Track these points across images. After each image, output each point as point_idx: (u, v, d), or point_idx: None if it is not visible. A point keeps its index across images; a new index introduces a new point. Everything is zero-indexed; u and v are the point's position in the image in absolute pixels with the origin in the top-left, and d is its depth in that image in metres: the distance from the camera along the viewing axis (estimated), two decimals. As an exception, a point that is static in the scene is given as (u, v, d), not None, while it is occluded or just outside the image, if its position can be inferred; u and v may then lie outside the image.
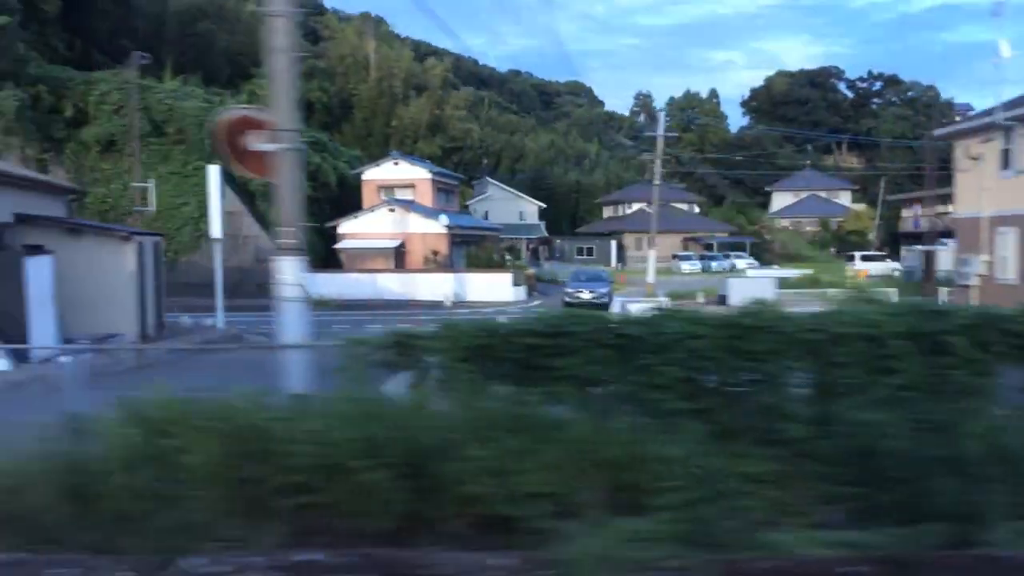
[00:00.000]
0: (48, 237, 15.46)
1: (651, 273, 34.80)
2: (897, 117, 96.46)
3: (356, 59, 55.50)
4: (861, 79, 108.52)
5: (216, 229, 19.60)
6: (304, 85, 52.48)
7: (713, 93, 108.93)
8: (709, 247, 69.19)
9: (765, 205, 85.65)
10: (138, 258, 16.88)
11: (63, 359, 13.30)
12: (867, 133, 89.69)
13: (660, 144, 34.44)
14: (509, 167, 79.74)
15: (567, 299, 30.83)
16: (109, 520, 5.47)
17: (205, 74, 46.93)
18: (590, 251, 68.40)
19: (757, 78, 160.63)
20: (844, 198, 79.62)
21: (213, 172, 20.10)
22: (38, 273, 14.03)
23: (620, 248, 68.10)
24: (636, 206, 74.92)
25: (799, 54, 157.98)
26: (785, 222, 75.92)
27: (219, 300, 19.40)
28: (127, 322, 16.31)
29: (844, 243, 68.50)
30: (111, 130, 31.86)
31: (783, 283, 24.23)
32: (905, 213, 63.95)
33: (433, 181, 42.80)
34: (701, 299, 31.18)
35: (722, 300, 20.10)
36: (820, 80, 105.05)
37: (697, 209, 78.62)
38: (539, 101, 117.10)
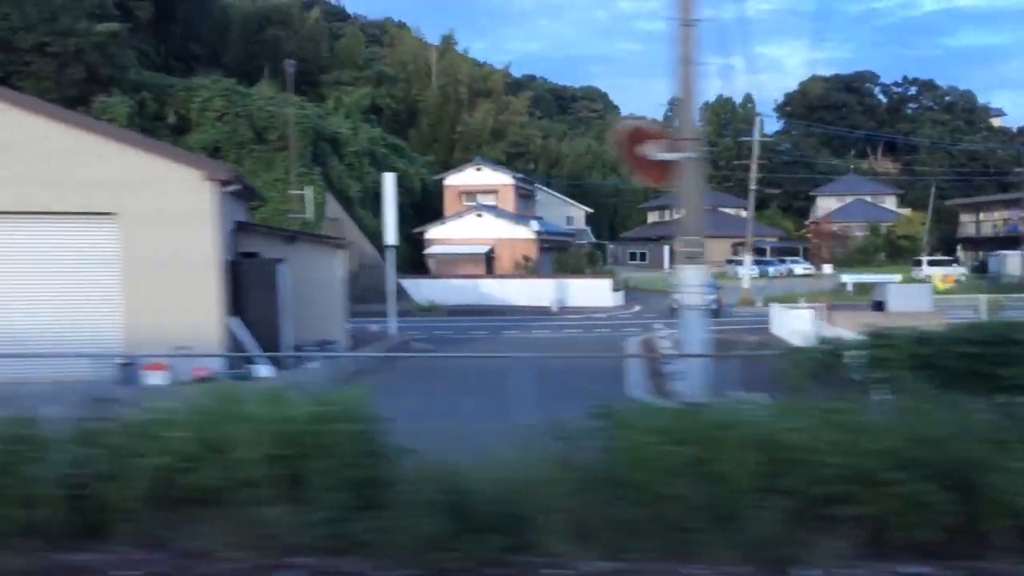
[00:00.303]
0: (262, 244, 15.54)
1: (746, 279, 34.70)
2: (934, 122, 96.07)
3: (418, 65, 55.70)
4: (896, 84, 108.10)
5: (391, 235, 19.62)
6: (373, 91, 52.80)
7: (748, 98, 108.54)
8: (761, 252, 68.91)
9: (804, 210, 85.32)
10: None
11: (310, 365, 13.37)
12: (905, 136, 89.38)
13: (756, 148, 34.49)
14: (545, 171, 79.64)
15: (673, 305, 30.70)
16: (664, 527, 5.49)
17: (271, 80, 47.02)
18: (643, 256, 68.22)
19: (757, 82, 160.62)
20: (889, 202, 79.28)
21: (389, 179, 20.08)
22: (284, 281, 14.10)
23: (671, 253, 67.91)
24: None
25: (800, 58, 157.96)
26: (833, 226, 75.61)
27: (392, 307, 19.40)
28: (337, 328, 16.37)
29: (895, 247, 68.32)
30: (215, 137, 32.05)
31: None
32: (964, 217, 63.73)
33: (515, 187, 42.75)
34: (804, 303, 31.00)
35: (878, 306, 20.09)
36: (856, 85, 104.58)
37: (744, 214, 78.37)
38: (555, 106, 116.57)
